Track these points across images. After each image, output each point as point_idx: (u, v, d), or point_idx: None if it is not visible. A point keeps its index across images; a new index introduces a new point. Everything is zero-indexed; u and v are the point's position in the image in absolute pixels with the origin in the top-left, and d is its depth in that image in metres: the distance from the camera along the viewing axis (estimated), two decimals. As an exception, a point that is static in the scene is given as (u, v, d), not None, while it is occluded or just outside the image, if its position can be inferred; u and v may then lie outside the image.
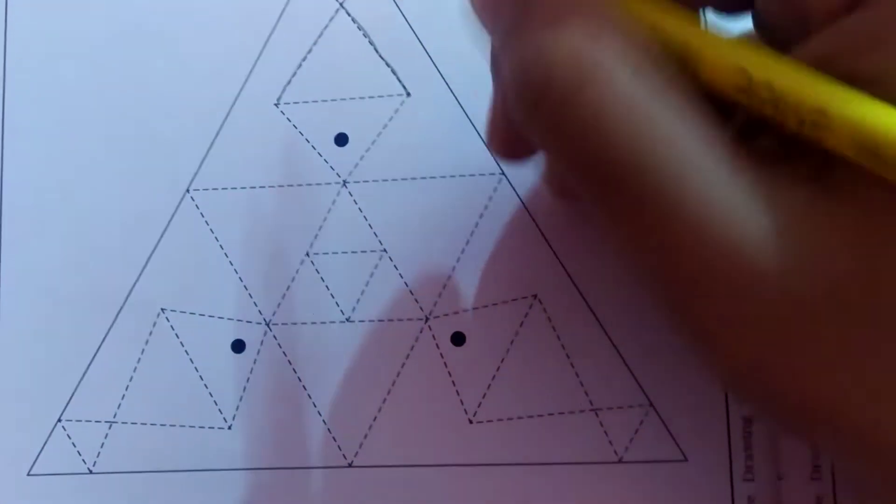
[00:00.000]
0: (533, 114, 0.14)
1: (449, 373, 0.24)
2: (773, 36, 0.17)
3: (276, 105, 0.25)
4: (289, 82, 0.25)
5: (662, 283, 0.14)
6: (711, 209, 0.13)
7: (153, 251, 0.25)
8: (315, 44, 0.25)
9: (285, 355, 0.25)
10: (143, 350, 0.25)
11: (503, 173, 0.24)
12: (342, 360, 0.25)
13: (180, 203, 0.25)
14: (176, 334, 0.25)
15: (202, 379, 0.25)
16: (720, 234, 0.13)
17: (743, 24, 0.17)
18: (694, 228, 0.13)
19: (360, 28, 0.25)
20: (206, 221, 0.25)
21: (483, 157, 0.24)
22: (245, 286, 0.25)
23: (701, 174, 0.13)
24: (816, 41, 0.14)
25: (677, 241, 0.13)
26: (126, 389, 0.25)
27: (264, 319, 0.25)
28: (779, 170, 0.14)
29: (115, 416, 0.25)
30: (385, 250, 0.25)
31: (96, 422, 0.25)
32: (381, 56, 0.25)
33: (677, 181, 0.13)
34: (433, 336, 0.24)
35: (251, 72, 0.25)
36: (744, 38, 0.15)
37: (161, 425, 0.25)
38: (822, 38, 0.14)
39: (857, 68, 0.13)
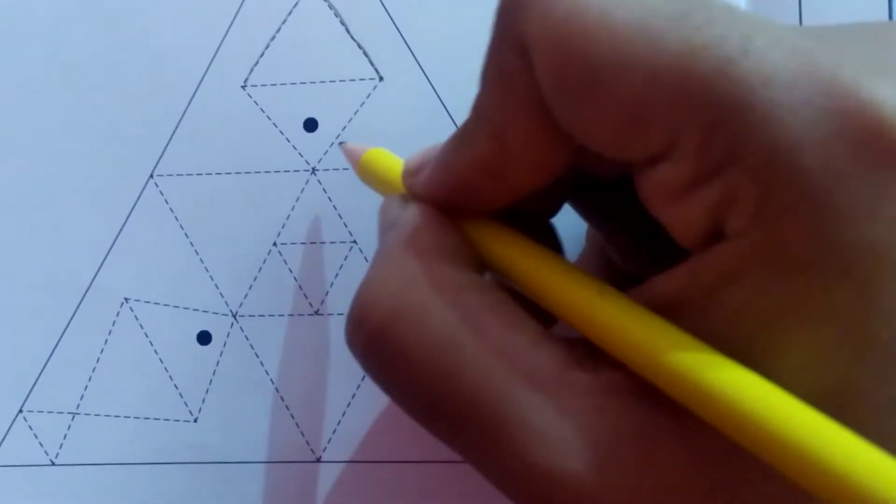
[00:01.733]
0: (351, 346, 0.16)
1: (420, 368, 0.23)
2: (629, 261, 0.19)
3: (242, 87, 0.24)
4: (256, 63, 0.24)
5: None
6: (532, 440, 0.13)
7: (116, 239, 0.24)
8: (284, 23, 0.24)
9: (252, 348, 0.24)
10: (106, 340, 0.24)
11: (477, 164, 0.24)
12: (311, 353, 0.24)
13: (143, 189, 0.24)
14: (140, 325, 0.24)
15: (167, 371, 0.24)
16: (539, 463, 0.13)
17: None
18: (514, 457, 0.13)
19: (331, 7, 0.24)
20: (171, 208, 0.24)
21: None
22: (211, 276, 0.24)
23: (519, 406, 0.14)
24: (675, 274, 0.13)
25: (497, 466, 0.14)
26: (89, 380, 0.24)
27: (231, 311, 0.24)
28: (613, 379, 0.14)
29: (77, 408, 0.24)
30: (355, 241, 0.24)
31: (59, 413, 0.24)
32: (353, 38, 0.24)
33: (494, 414, 0.14)
34: (404, 330, 0.23)
35: (217, 52, 0.24)
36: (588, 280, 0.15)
37: (125, 417, 0.24)
38: (679, 272, 0.13)
39: (712, 303, 0.13)
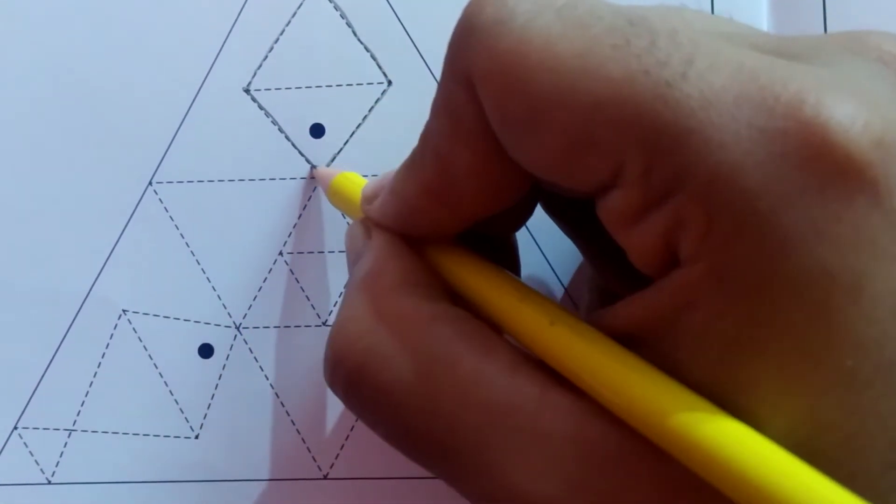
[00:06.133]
0: (332, 388, 0.16)
1: (430, 382, 0.23)
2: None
3: (245, 91, 0.23)
4: (260, 67, 0.23)
5: None
6: (512, 464, 0.14)
7: (113, 248, 0.23)
8: (288, 25, 0.23)
9: (256, 361, 0.23)
10: (103, 354, 0.23)
11: (491, 171, 0.23)
12: (318, 366, 0.23)
13: (142, 197, 0.23)
14: (139, 337, 0.23)
15: (167, 385, 0.23)
16: (519, 488, 0.14)
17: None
18: (494, 480, 0.14)
19: (336, 8, 0.23)
20: (171, 217, 0.23)
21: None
22: (213, 287, 0.23)
23: (497, 432, 0.14)
24: (635, 301, 0.13)
25: (478, 489, 0.14)
26: (86, 396, 0.23)
27: (234, 322, 0.23)
28: (594, 403, 0.14)
29: (74, 424, 0.23)
30: (363, 250, 0.23)
31: (55, 430, 0.23)
32: (359, 40, 0.23)
33: (474, 442, 0.14)
34: (414, 342, 0.23)
35: (219, 54, 0.23)
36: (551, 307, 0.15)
37: (123, 434, 0.23)
38: (638, 299, 0.13)
39: (672, 332, 0.13)
